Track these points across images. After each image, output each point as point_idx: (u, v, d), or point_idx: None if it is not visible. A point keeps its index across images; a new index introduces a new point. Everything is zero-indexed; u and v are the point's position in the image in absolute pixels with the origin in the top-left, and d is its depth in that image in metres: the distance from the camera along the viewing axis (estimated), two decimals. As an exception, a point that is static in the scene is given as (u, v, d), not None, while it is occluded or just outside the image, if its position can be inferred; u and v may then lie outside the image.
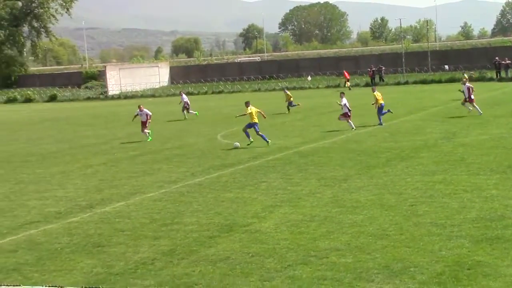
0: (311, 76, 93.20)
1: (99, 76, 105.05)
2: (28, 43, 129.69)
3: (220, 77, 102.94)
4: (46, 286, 6.77)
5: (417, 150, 28.35)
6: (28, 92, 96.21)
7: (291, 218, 17.89)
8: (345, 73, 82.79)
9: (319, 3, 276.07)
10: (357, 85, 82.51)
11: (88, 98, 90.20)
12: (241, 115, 35.63)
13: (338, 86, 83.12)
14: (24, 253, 16.11)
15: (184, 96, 52.19)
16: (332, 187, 21.60)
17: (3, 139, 43.86)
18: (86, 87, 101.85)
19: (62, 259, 15.46)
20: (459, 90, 44.85)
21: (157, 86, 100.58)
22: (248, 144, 32.76)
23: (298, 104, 51.48)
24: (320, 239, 15.63)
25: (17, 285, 6.92)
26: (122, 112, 62.39)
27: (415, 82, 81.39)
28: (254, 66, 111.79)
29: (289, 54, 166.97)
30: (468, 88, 40.88)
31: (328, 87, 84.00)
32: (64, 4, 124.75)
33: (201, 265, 14.30)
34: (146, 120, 38.23)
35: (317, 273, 13.28)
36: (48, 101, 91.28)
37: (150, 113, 38.56)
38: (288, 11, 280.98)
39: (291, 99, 51.83)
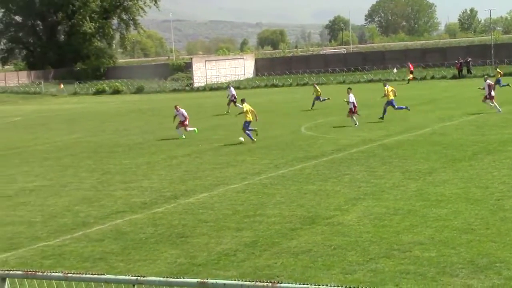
0: (397, 68, 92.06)
1: (186, 68, 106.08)
2: (117, 36, 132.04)
3: (305, 69, 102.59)
4: (130, 275, 6.86)
5: (505, 144, 27.70)
6: (116, 83, 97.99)
7: (374, 211, 17.73)
8: (410, 65, 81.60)
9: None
10: (443, 77, 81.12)
11: (174, 90, 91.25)
12: (240, 114, 35.62)
13: (424, 78, 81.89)
14: (110, 243, 16.44)
15: (232, 89, 52.12)
16: (417, 180, 21.31)
17: (91, 130, 44.82)
18: (173, 79, 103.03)
19: (146, 249, 15.72)
20: (479, 88, 43.58)
21: (242, 78, 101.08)
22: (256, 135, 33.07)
23: (328, 98, 50.67)
24: (404, 233, 15.45)
25: (101, 274, 7.04)
26: (207, 103, 62.96)
27: (504, 75, 79.38)
28: (339, 58, 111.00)
29: (375, 46, 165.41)
30: (489, 85, 40.22)
31: (413, 79, 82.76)
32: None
33: (283, 257, 14.31)
34: (185, 119, 37.96)
35: (399, 267, 13.13)
36: (135, 92, 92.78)
37: (186, 114, 38.26)
38: (374, 3, 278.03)
39: (319, 94, 51.09)
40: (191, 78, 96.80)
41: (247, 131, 33.40)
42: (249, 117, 33.61)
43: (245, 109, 33.89)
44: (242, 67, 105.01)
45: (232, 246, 15.38)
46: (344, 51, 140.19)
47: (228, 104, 51.42)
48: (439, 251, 13.91)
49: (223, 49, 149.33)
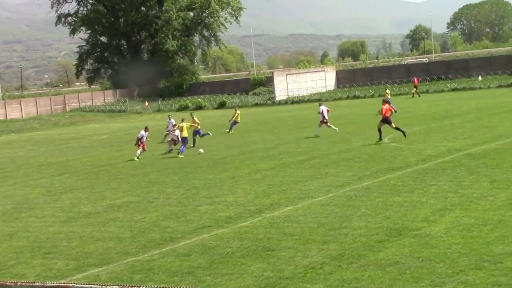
0: (481, 76, 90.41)
1: (267, 82, 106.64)
2: (198, 52, 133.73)
3: (387, 79, 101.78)
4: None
5: None
6: (199, 99, 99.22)
7: (462, 222, 17.42)
8: (415, 79, 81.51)
9: (490, 0, 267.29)
10: (531, 83, 79.21)
11: (256, 104, 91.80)
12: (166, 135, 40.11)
13: (510, 85, 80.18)
14: (197, 257, 16.60)
15: (172, 121, 46.51)
16: (506, 190, 20.83)
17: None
18: (254, 93, 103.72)
19: (233, 263, 15.82)
20: None
21: (323, 91, 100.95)
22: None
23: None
24: (494, 244, 15.12)
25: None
26: (289, 117, 63.08)
27: None
28: (421, 67, 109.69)
29: (458, 54, 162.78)
30: None
31: (499, 86, 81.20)
32: (233, 12, 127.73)
33: (370, 269, 14.19)
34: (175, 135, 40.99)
35: (491, 279, 12.85)
36: (217, 108, 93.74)
37: (177, 133, 40.77)
38: (457, 10, 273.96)
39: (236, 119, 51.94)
40: (272, 92, 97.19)
41: (182, 147, 39.00)
42: (185, 133, 39.44)
43: (181, 125, 39.63)
44: (323, 80, 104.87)
45: (318, 259, 15.33)
46: (426, 60, 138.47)
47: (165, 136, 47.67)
48: (531, 262, 13.56)
49: (303, 62, 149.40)
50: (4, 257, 18.61)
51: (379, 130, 36.53)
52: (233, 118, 52.64)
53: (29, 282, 8.53)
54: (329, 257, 15.40)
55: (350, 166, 28.90)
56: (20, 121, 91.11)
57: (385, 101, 38.65)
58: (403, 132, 36.90)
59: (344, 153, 33.29)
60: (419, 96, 76.80)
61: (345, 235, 17.17)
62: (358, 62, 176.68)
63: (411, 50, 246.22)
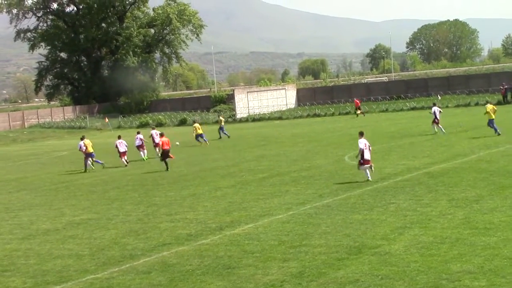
0: (440, 95, 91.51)
1: (228, 100, 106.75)
2: (159, 69, 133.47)
3: (347, 98, 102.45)
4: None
5: (554, 170, 27.26)
6: (160, 116, 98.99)
7: (421, 240, 17.57)
8: (356, 101, 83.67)
9: (448, 20, 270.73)
10: (488, 103, 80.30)
11: (217, 122, 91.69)
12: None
13: (468, 105, 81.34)
14: (157, 275, 16.51)
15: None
16: (464, 208, 21.08)
17: (136, 163, 45.17)
18: (215, 111, 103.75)
19: (193, 280, 15.76)
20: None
21: (284, 109, 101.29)
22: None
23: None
24: (452, 262, 15.27)
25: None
26: (250, 134, 63.17)
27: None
28: (381, 86, 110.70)
29: (417, 74, 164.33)
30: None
31: (457, 106, 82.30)
32: (194, 30, 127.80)
33: (330, 287, 14.23)
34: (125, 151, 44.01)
35: (449, 297, 12.96)
36: (178, 125, 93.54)
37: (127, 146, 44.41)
38: (416, 30, 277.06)
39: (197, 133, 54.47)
40: (233, 109, 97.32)
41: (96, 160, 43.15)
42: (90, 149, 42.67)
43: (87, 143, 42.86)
44: (284, 98, 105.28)
45: (278, 277, 15.35)
46: (386, 79, 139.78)
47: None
48: (489, 281, 13.72)
49: (264, 80, 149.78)
50: (-40, 275, 18.30)
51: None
52: (195, 132, 54.76)
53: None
54: (289, 275, 15.42)
55: (311, 184, 29.02)
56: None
57: None
58: None
59: (304, 171, 33.42)
60: (364, 115, 79.28)
61: (306, 253, 17.22)
62: (318, 80, 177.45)
63: (371, 69, 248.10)
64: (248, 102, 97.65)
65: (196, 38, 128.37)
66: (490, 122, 43.29)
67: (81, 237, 21.99)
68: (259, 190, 28.63)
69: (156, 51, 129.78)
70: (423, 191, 24.74)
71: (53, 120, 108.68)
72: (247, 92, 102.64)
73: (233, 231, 20.80)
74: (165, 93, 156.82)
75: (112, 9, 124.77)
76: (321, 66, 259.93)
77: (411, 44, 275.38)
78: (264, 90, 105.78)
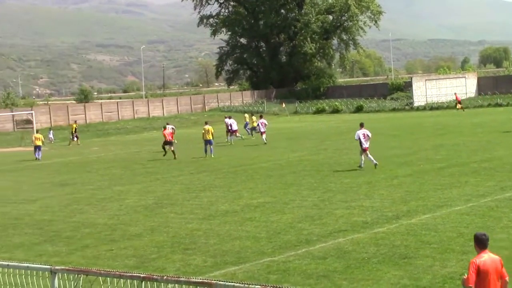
0: None
1: (405, 87, 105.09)
2: (336, 55, 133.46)
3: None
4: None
5: None
6: (336, 103, 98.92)
7: None
8: (456, 95, 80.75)
9: None
10: None
11: (394, 109, 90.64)
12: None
13: None
14: (333, 261, 16.61)
15: (227, 120, 56.17)
16: None
17: (312, 148, 45.51)
18: (392, 98, 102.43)
19: (369, 268, 15.72)
20: None
21: (463, 97, 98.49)
22: None
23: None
24: None
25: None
26: (428, 123, 61.95)
27: None
28: None
29: None
30: None
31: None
32: (372, 16, 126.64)
33: (512, 283, 13.75)
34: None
35: None
36: (354, 112, 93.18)
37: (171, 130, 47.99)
38: None
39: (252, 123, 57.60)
40: (410, 97, 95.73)
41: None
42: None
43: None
44: (464, 86, 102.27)
45: (458, 269, 15.00)
46: None
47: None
48: None
49: (443, 67, 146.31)
50: (146, 250, 19.25)
51: None
52: (251, 124, 58.46)
53: (174, 277, 8.78)
54: (468, 268, 15.02)
55: (492, 176, 28.10)
56: (162, 119, 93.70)
57: None
58: None
59: (485, 162, 32.39)
60: (457, 110, 78.07)
61: (486, 247, 16.70)
62: (501, 69, 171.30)
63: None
64: (426, 90, 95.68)
65: (374, 24, 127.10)
66: None
67: (258, 219, 22.48)
68: (437, 180, 28.06)
69: (334, 38, 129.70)
70: None
71: (232, 104, 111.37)
72: (425, 80, 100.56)
73: (409, 220, 20.55)
74: (341, 80, 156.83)
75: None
76: (504, 54, 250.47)
77: None
78: (443, 78, 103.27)
